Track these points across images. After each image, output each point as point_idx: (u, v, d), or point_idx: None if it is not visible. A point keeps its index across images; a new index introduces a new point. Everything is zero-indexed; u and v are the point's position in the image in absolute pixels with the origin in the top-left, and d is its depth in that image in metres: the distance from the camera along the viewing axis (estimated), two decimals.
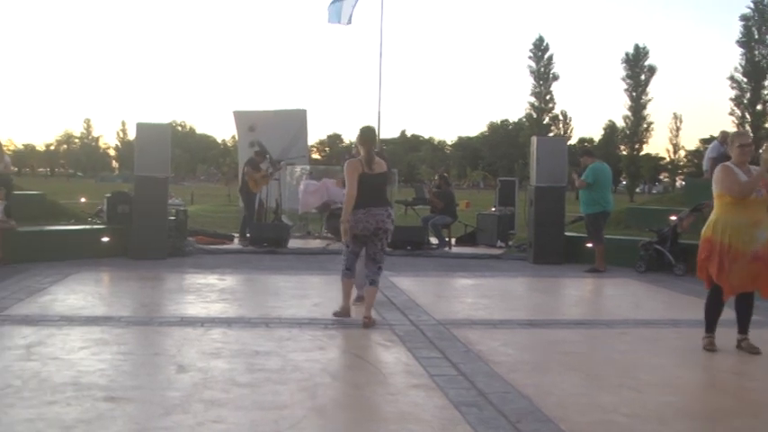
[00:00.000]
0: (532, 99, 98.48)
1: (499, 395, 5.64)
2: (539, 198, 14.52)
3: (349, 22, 20.89)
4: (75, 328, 7.72)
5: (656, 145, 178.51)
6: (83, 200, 26.01)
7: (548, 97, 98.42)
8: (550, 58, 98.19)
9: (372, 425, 5.08)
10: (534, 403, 5.46)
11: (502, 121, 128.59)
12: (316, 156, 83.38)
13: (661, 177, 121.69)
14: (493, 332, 8.08)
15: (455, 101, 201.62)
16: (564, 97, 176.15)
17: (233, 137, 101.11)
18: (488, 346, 7.36)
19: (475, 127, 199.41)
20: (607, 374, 6.51)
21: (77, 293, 9.89)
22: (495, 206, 18.59)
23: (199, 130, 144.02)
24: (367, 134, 8.33)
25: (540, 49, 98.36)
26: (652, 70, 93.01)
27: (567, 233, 14.94)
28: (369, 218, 7.97)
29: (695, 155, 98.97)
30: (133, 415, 5.07)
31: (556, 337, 8.09)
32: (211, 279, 11.35)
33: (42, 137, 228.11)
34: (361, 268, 8.56)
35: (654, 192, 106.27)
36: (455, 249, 16.35)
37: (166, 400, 5.35)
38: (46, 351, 6.73)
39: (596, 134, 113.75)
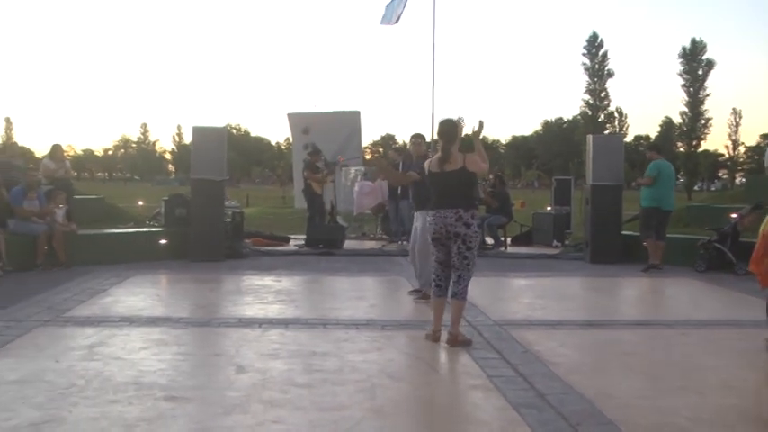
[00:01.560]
0: (587, 96, 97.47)
1: (558, 396, 5.58)
2: (595, 197, 14.37)
3: (397, 21, 20.86)
4: (136, 329, 7.83)
5: (715, 141, 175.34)
6: (140, 203, 26.36)
7: (602, 94, 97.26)
8: (605, 54, 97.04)
9: (430, 426, 5.07)
10: (594, 405, 5.39)
11: (556, 120, 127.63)
12: (369, 157, 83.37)
13: (720, 174, 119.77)
14: (551, 333, 8.01)
15: (509, 99, 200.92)
16: (619, 94, 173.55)
17: (287, 139, 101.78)
18: (546, 346, 7.29)
19: (529, 126, 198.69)
20: (668, 376, 6.40)
21: (137, 295, 10.02)
22: (550, 205, 18.47)
23: (253, 133, 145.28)
24: (442, 128, 7.60)
25: (594, 45, 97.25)
26: (710, 64, 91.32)
27: (624, 232, 14.75)
28: (437, 220, 7.36)
29: (755, 151, 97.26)
30: (193, 414, 5.12)
31: (615, 337, 7.97)
32: (268, 280, 11.42)
33: (101, 142, 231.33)
34: (420, 264, 8.45)
35: (712, 189, 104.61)
36: (511, 249, 16.25)
37: (226, 400, 5.39)
38: (108, 351, 6.83)
39: (653, 131, 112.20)
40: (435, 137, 7.89)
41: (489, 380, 6.05)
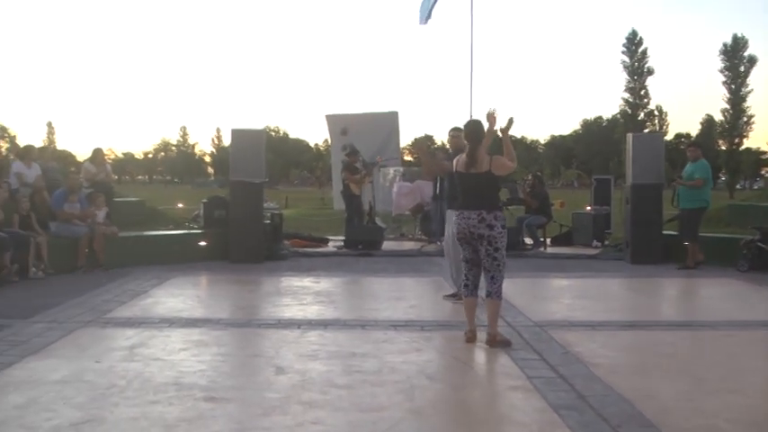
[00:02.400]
0: (626, 95, 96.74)
1: (599, 398, 5.51)
2: (635, 196, 14.23)
3: (427, 19, 20.81)
4: (176, 330, 7.87)
5: (758, 139, 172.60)
6: (180, 205, 26.50)
7: (642, 92, 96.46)
8: (644, 51, 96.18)
9: (470, 427, 5.03)
10: (635, 407, 5.31)
11: (595, 119, 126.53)
12: (408, 158, 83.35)
13: (763, 172, 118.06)
14: (591, 334, 7.92)
15: (547, 99, 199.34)
16: (659, 92, 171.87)
17: (325, 140, 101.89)
18: (587, 347, 7.21)
19: (568, 125, 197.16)
20: (710, 378, 6.30)
21: (177, 296, 10.08)
22: (590, 205, 18.30)
23: (292, 135, 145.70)
24: (469, 128, 7.56)
25: (633, 43, 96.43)
26: (752, 61, 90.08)
27: (665, 232, 14.57)
28: (461, 221, 7.36)
29: None
30: (233, 415, 5.13)
31: (656, 338, 7.88)
32: (307, 282, 11.43)
33: (141, 145, 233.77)
34: (456, 267, 8.40)
35: (755, 188, 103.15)
36: (550, 249, 16.13)
37: (265, 401, 5.39)
38: (148, 352, 6.88)
39: (693, 129, 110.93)
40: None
41: (529, 381, 6.00)
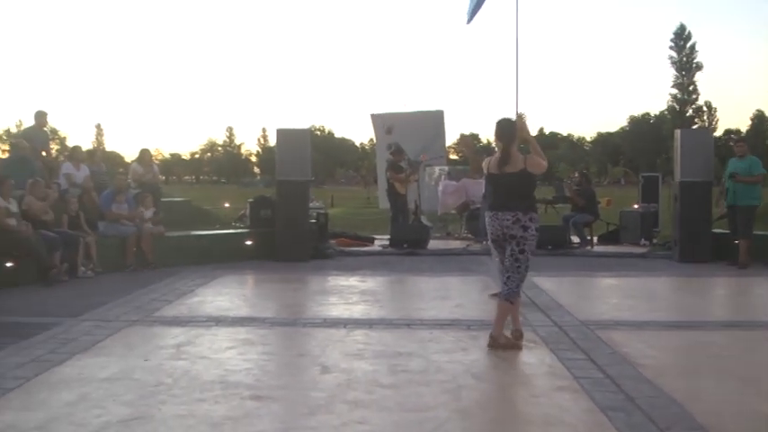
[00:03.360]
0: (674, 90, 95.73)
1: (647, 400, 5.42)
2: (684, 194, 14.04)
3: (471, 19, 20.73)
4: (222, 329, 7.92)
5: None
6: (226, 205, 26.74)
7: (691, 88, 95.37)
8: (693, 46, 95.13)
9: (517, 427, 5.00)
10: (685, 409, 5.22)
11: (643, 115, 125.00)
12: (453, 156, 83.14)
13: None
14: (639, 333, 7.80)
15: (594, 96, 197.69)
16: (708, 87, 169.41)
17: (371, 139, 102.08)
18: (635, 348, 7.10)
19: (615, 122, 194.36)
20: (762, 379, 6.19)
21: (223, 295, 10.15)
22: (637, 203, 18.10)
23: (337, 134, 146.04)
24: (500, 128, 7.24)
25: (681, 38, 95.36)
26: None
27: (714, 230, 14.35)
28: (494, 222, 7.12)
29: None
30: (279, 414, 5.15)
31: (706, 339, 7.72)
32: (353, 281, 11.44)
33: (187, 146, 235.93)
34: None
35: None
36: (597, 248, 15.98)
37: (311, 400, 5.40)
38: (195, 350, 6.93)
39: (743, 125, 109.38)
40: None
41: (576, 381, 5.93)
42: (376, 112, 29.00)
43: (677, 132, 14.76)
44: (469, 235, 17.13)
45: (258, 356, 6.78)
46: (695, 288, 11.57)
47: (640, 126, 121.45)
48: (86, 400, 5.40)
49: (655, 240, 16.43)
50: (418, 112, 28.09)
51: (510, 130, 7.23)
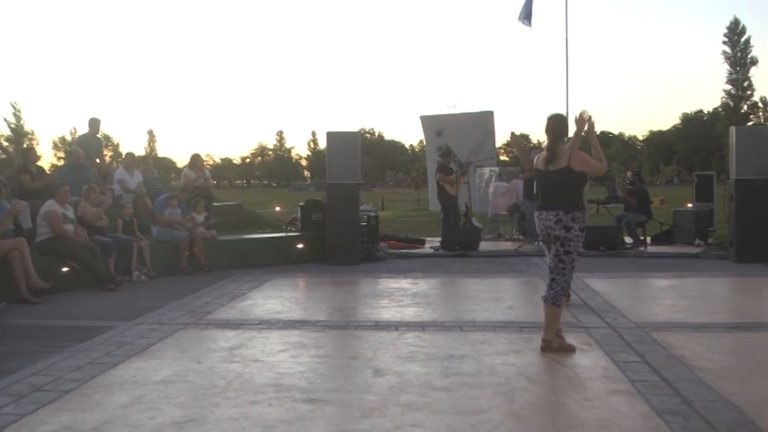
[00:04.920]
0: (728, 86, 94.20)
1: (705, 404, 5.31)
2: (740, 192, 13.79)
3: (526, 20, 20.66)
4: (274, 332, 7.95)
5: None
6: (277, 209, 26.84)
7: (745, 84, 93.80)
8: (747, 41, 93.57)
9: (572, 431, 4.92)
10: (745, 414, 5.10)
11: (696, 112, 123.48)
12: (504, 157, 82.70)
13: None
14: (695, 336, 7.64)
15: (645, 93, 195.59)
16: (763, 83, 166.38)
17: (420, 142, 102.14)
18: (691, 350, 6.97)
19: (667, 120, 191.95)
20: None
21: (275, 298, 10.19)
22: (692, 202, 17.85)
23: (387, 137, 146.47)
24: (550, 123, 7.10)
25: (735, 32, 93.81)
26: None
27: None
28: (539, 222, 7.03)
29: None
30: (332, 417, 5.13)
31: (764, 341, 7.58)
32: (404, 283, 11.42)
33: (238, 150, 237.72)
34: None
35: None
36: (651, 249, 15.77)
37: (364, 403, 5.39)
38: (247, 353, 6.96)
39: None
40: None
41: (631, 384, 5.83)
42: (426, 114, 29.00)
43: (732, 129, 14.49)
44: (521, 236, 17.02)
45: (311, 359, 6.78)
46: (753, 289, 11.35)
47: (693, 124, 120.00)
48: (141, 402, 5.45)
49: (710, 240, 16.19)
50: (468, 113, 28.03)
51: (558, 125, 7.09)
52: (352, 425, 4.95)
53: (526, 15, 20.71)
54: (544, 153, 7.12)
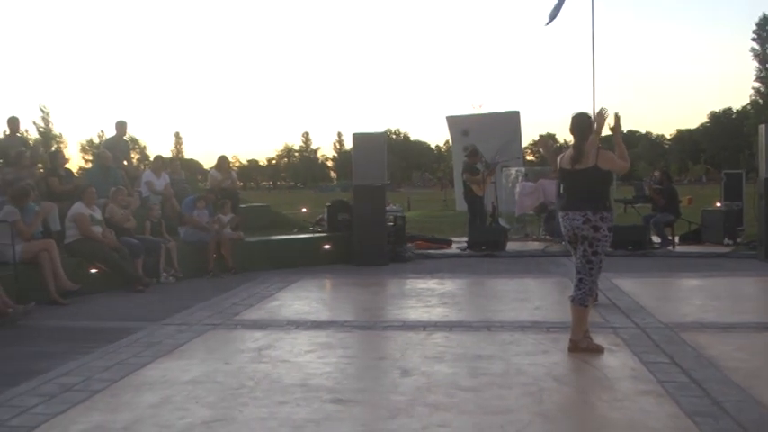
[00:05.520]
0: (757, 84, 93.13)
1: (736, 404, 5.25)
2: None
3: (550, 21, 20.62)
4: (302, 333, 7.96)
5: None
6: (304, 210, 26.87)
7: None
8: None
9: (600, 431, 4.89)
10: None
11: (724, 110, 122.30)
12: (530, 157, 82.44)
13: None
14: (725, 336, 7.56)
15: (672, 92, 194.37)
16: None
17: (447, 142, 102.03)
18: (721, 350, 6.89)
19: (695, 118, 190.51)
20: None
21: (303, 299, 10.21)
22: (720, 201, 17.69)
23: (413, 137, 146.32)
24: (574, 122, 7.01)
25: (764, 29, 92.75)
26: None
27: None
28: (565, 222, 6.96)
29: None
30: (359, 417, 5.14)
31: None
32: (431, 283, 11.40)
33: (264, 152, 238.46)
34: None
35: None
36: (679, 248, 15.64)
37: (391, 404, 5.38)
38: (275, 354, 6.98)
39: None
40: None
41: (660, 385, 5.77)
42: (452, 114, 29.00)
43: (761, 128, 14.31)
44: (548, 236, 16.95)
45: (338, 360, 6.79)
46: None
47: (722, 122, 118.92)
48: (170, 402, 5.48)
49: (739, 240, 16.04)
50: (494, 113, 28.00)
51: (583, 124, 7.00)
52: (379, 425, 4.95)
53: (553, 16, 20.66)
54: (570, 152, 7.04)
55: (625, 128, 7.15)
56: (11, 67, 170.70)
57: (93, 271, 10.99)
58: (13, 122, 14.75)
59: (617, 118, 7.08)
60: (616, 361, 6.64)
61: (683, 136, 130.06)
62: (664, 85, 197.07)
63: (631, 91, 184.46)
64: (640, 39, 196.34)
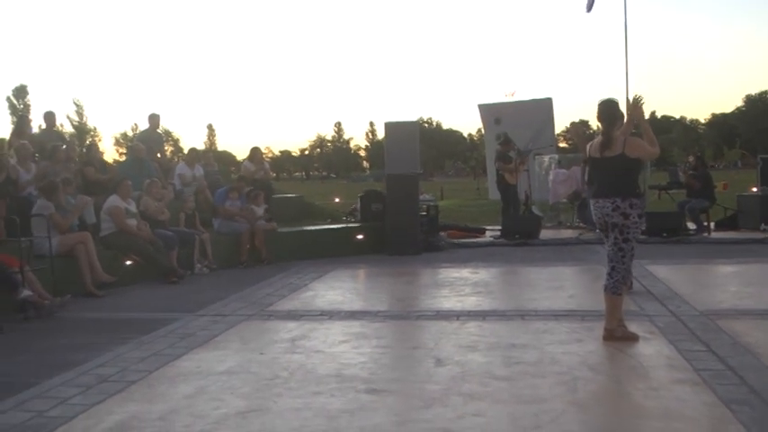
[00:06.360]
0: None
1: None
2: None
3: (589, 9, 20.42)
4: (336, 323, 7.98)
5: None
6: (337, 200, 26.94)
7: None
8: None
9: (635, 420, 4.84)
10: None
11: (760, 94, 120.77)
12: (563, 144, 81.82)
13: None
14: (762, 323, 7.47)
15: (707, 76, 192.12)
16: None
17: (479, 130, 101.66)
18: (757, 337, 6.80)
19: (730, 102, 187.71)
20: None
21: (336, 289, 10.23)
22: (756, 186, 17.48)
23: (445, 126, 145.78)
24: (602, 109, 6.97)
25: None
26: None
27: None
28: (596, 210, 6.94)
29: None
30: (394, 407, 5.13)
31: None
32: (465, 273, 11.38)
33: (297, 143, 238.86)
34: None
35: None
36: (714, 234, 15.49)
37: (426, 393, 5.37)
38: (309, 344, 6.99)
39: None
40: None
41: (696, 373, 5.71)
42: (484, 102, 28.90)
43: None
44: (581, 224, 16.85)
45: (372, 350, 6.79)
46: None
47: (757, 105, 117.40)
48: (204, 392, 5.52)
49: None
50: (526, 101, 27.88)
51: (611, 110, 6.95)
52: (413, 414, 4.94)
53: (591, 3, 20.49)
54: (599, 139, 6.99)
55: (659, 113, 7.12)
56: (45, 62, 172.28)
57: (128, 263, 11.09)
58: (50, 117, 14.95)
59: (638, 100, 6.99)
60: (651, 349, 6.59)
61: (717, 120, 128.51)
62: (698, 68, 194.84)
63: (665, 75, 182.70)
64: (674, 21, 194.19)
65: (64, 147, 13.29)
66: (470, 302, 9.01)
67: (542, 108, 26.96)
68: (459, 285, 10.21)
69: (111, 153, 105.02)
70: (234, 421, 4.88)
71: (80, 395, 5.53)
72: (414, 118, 21.99)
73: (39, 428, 4.83)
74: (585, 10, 19.82)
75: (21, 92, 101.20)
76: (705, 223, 15.63)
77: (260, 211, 13.55)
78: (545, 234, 15.97)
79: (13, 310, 8.58)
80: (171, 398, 5.41)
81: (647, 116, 7.13)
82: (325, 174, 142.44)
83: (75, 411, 5.14)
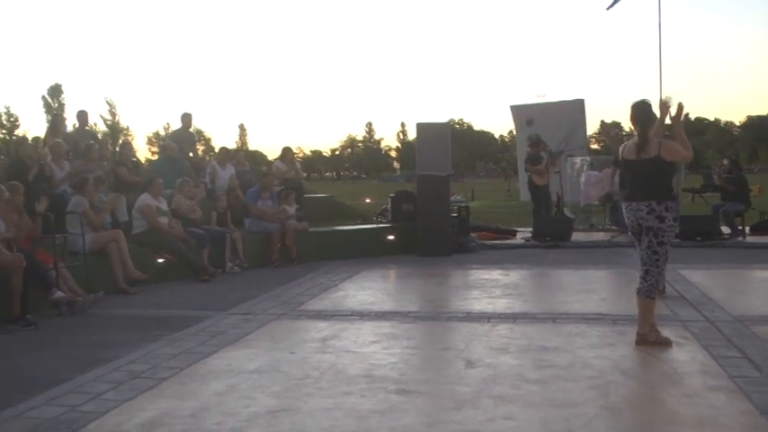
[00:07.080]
0: None
1: None
2: None
3: (612, 5, 20.32)
4: (366, 323, 7.98)
5: None
6: (368, 200, 26.94)
7: None
8: None
9: (668, 427, 4.78)
10: None
11: None
12: (595, 146, 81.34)
13: None
14: None
15: (742, 77, 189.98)
16: None
17: (510, 132, 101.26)
18: None
19: (766, 104, 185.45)
20: None
21: (366, 289, 10.23)
22: None
23: (476, 127, 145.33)
24: (635, 111, 6.87)
25: None
26: None
27: None
28: (629, 213, 6.83)
29: None
30: (424, 408, 5.12)
31: None
32: (495, 274, 11.34)
33: (328, 143, 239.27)
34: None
35: None
36: (749, 239, 15.33)
37: (456, 395, 5.35)
38: (340, 344, 6.99)
39: None
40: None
41: (731, 380, 5.63)
42: (516, 103, 28.84)
43: None
44: (614, 226, 16.73)
45: (402, 350, 6.78)
46: None
47: None
48: (235, 390, 5.53)
49: None
50: (558, 102, 27.79)
51: (645, 112, 6.87)
52: (444, 416, 4.93)
53: (614, 2, 20.38)
54: (634, 140, 6.91)
55: (692, 115, 7.07)
56: (79, 61, 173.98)
57: (160, 261, 11.16)
58: (83, 116, 15.10)
59: (680, 107, 6.94)
60: (685, 355, 6.51)
61: (753, 122, 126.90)
62: (733, 69, 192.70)
63: (699, 76, 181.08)
64: (709, 22, 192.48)
65: (97, 146, 13.40)
66: (501, 304, 8.98)
67: (574, 109, 26.87)
68: (490, 287, 10.17)
69: (143, 152, 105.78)
70: (264, 420, 4.89)
71: (112, 391, 5.57)
72: (445, 119, 21.96)
73: (71, 423, 4.87)
74: (608, 5, 19.75)
75: (56, 91, 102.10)
76: (740, 227, 15.46)
77: (292, 210, 13.58)
78: (576, 236, 15.88)
79: (47, 306, 8.67)
80: (202, 395, 5.44)
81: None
82: (355, 174, 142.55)
83: (108, 407, 5.18)
